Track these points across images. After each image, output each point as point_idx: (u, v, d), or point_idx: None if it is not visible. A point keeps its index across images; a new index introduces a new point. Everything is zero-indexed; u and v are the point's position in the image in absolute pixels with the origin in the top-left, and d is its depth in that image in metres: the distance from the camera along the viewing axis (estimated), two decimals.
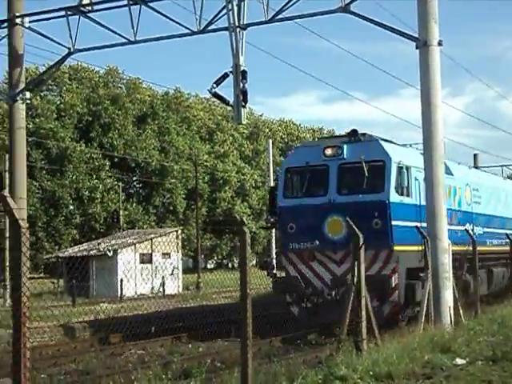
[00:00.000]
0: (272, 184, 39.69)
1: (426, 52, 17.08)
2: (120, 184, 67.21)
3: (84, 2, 21.39)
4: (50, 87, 69.25)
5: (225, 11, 19.54)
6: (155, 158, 69.37)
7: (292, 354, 14.83)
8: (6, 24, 23.24)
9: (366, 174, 17.84)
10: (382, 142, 18.78)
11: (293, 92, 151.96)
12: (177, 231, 45.85)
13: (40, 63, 50.79)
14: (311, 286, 18.46)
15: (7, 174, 32.17)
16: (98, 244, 41.78)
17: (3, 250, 38.11)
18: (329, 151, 18.75)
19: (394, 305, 17.77)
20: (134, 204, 68.12)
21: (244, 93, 18.37)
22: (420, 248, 16.77)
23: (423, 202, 17.98)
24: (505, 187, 28.55)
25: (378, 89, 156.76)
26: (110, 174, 66.86)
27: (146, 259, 41.77)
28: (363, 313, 12.31)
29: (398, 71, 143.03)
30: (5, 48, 23.89)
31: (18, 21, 22.92)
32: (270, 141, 50.67)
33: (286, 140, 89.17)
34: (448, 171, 19.94)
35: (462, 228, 21.08)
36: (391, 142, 19.89)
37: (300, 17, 20.20)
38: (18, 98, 23.48)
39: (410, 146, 22.71)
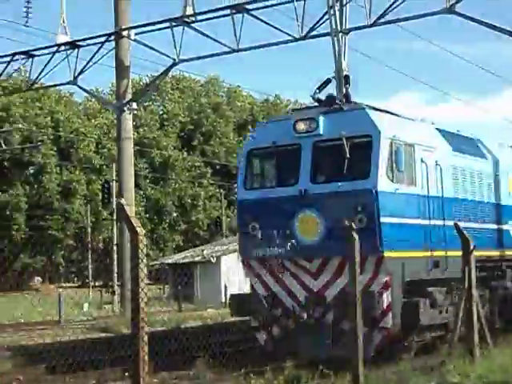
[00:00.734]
0: None
1: None
2: (222, 191, 68.02)
3: (188, 13, 21.80)
4: (153, 97, 70.89)
5: (327, 17, 19.56)
6: None
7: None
8: (113, 37, 23.95)
9: (348, 155, 13.28)
10: (370, 111, 13.97)
11: (392, 95, 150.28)
12: None
13: (142, 74, 52.13)
14: (280, 306, 13.88)
15: (115, 182, 33.10)
16: (202, 251, 42.39)
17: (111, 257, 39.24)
18: (300, 125, 14.10)
19: (386, 332, 12.95)
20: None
21: (347, 97, 18.29)
22: (428, 254, 13.64)
23: (435, 193, 14.23)
24: None
25: (481, 89, 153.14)
26: (211, 182, 67.81)
27: None
28: (475, 318, 12.05)
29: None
30: (112, 60, 24.67)
31: (124, 33, 23.57)
32: None
33: None
34: (479, 153, 16.68)
35: (498, 227, 17.09)
36: (386, 111, 14.96)
37: (403, 20, 20.02)
38: (125, 109, 24.12)
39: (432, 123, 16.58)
